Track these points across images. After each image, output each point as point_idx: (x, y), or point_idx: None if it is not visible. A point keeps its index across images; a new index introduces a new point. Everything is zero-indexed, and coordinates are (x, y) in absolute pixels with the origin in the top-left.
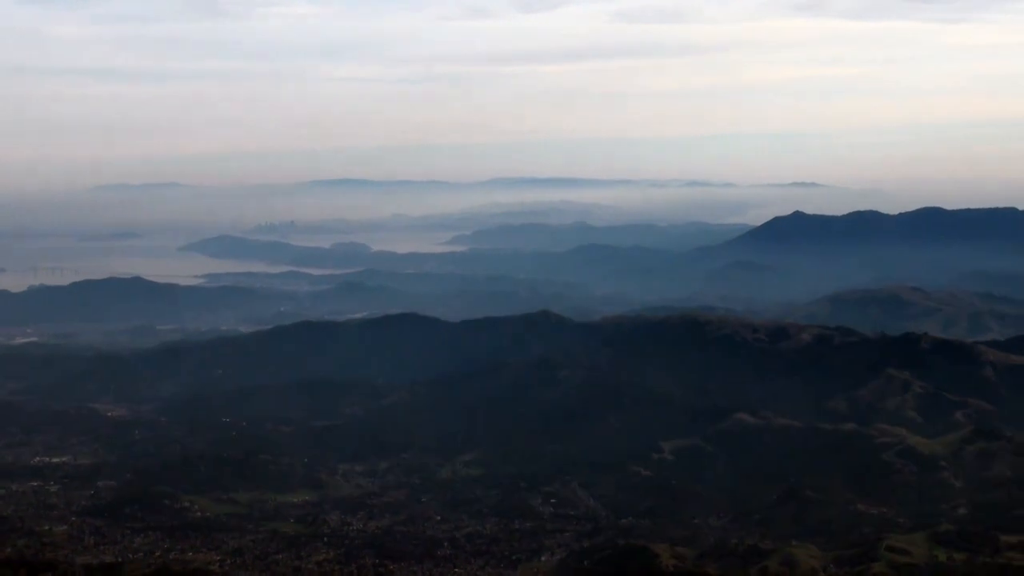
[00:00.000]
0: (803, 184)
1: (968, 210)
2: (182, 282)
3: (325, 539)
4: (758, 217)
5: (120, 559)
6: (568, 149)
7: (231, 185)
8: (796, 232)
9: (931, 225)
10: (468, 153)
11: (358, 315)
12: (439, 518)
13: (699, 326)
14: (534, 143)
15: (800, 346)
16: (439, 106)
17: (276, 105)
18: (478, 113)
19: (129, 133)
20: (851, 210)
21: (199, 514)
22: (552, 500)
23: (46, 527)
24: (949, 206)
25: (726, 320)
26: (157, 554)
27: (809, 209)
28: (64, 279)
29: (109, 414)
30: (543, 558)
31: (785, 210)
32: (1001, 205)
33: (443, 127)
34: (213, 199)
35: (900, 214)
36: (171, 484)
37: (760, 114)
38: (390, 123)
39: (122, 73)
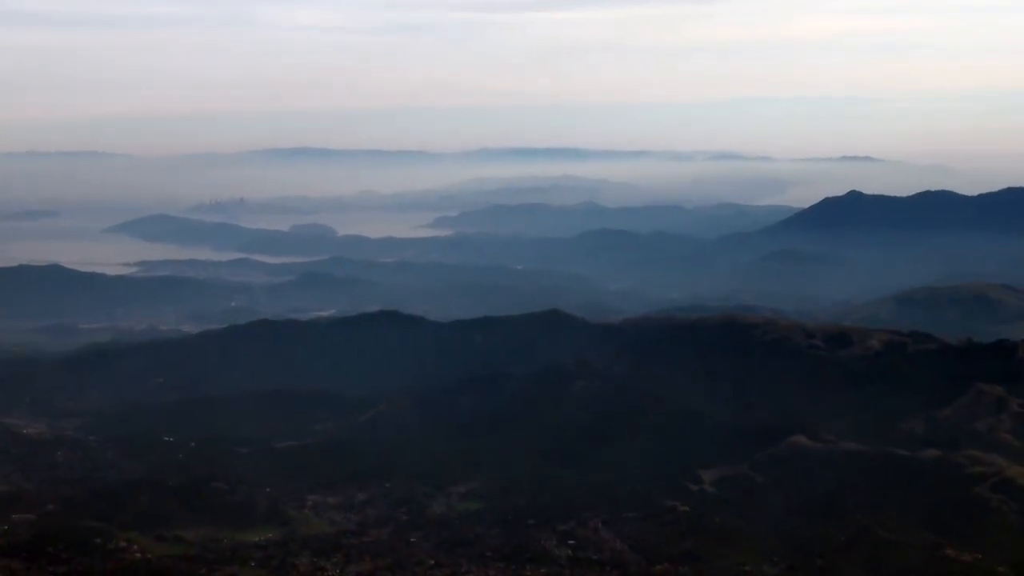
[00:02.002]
0: (855, 158)
1: None
2: (109, 271)
3: None
4: (802, 198)
5: None
6: (571, 114)
7: (166, 155)
8: (852, 216)
9: (1018, 209)
10: (451, 118)
11: (326, 313)
12: (432, 562)
13: (742, 330)
14: (530, 107)
15: (866, 355)
16: (416, 61)
17: (219, 58)
18: (462, 70)
19: (38, 91)
20: (917, 190)
21: (138, 556)
22: (569, 541)
23: None
24: None
25: (774, 323)
26: None
27: (867, 189)
28: None
29: (24, 431)
30: None
31: (837, 189)
32: None
33: (420, 86)
34: (144, 171)
35: (979, 195)
36: (103, 518)
37: (802, 75)
38: (357, 81)
39: (28, 16)
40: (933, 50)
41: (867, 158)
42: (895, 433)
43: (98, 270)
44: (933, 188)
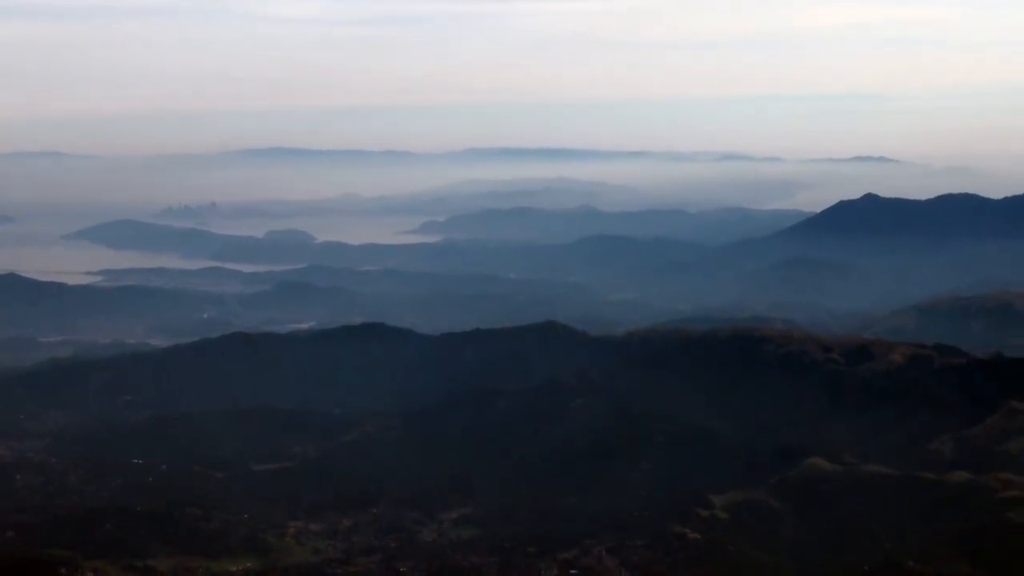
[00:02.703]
0: (869, 159)
1: None
2: (71, 280)
3: None
4: (813, 201)
5: None
6: (564, 112)
7: (132, 155)
8: (868, 221)
9: None
10: (437, 116)
11: (305, 325)
12: None
13: (753, 343)
14: (520, 104)
15: (889, 370)
16: (399, 56)
17: (190, 52)
18: (449, 65)
19: None
20: (937, 192)
21: None
22: (572, 571)
23: None
24: None
25: (788, 336)
26: None
27: (883, 191)
28: None
29: None
30: None
31: (850, 192)
32: None
33: (404, 82)
34: (109, 173)
35: (1005, 198)
36: (67, 547)
37: (810, 70)
38: (337, 77)
39: None
40: (949, 43)
41: (882, 158)
42: (921, 455)
43: (59, 279)
44: (954, 191)
